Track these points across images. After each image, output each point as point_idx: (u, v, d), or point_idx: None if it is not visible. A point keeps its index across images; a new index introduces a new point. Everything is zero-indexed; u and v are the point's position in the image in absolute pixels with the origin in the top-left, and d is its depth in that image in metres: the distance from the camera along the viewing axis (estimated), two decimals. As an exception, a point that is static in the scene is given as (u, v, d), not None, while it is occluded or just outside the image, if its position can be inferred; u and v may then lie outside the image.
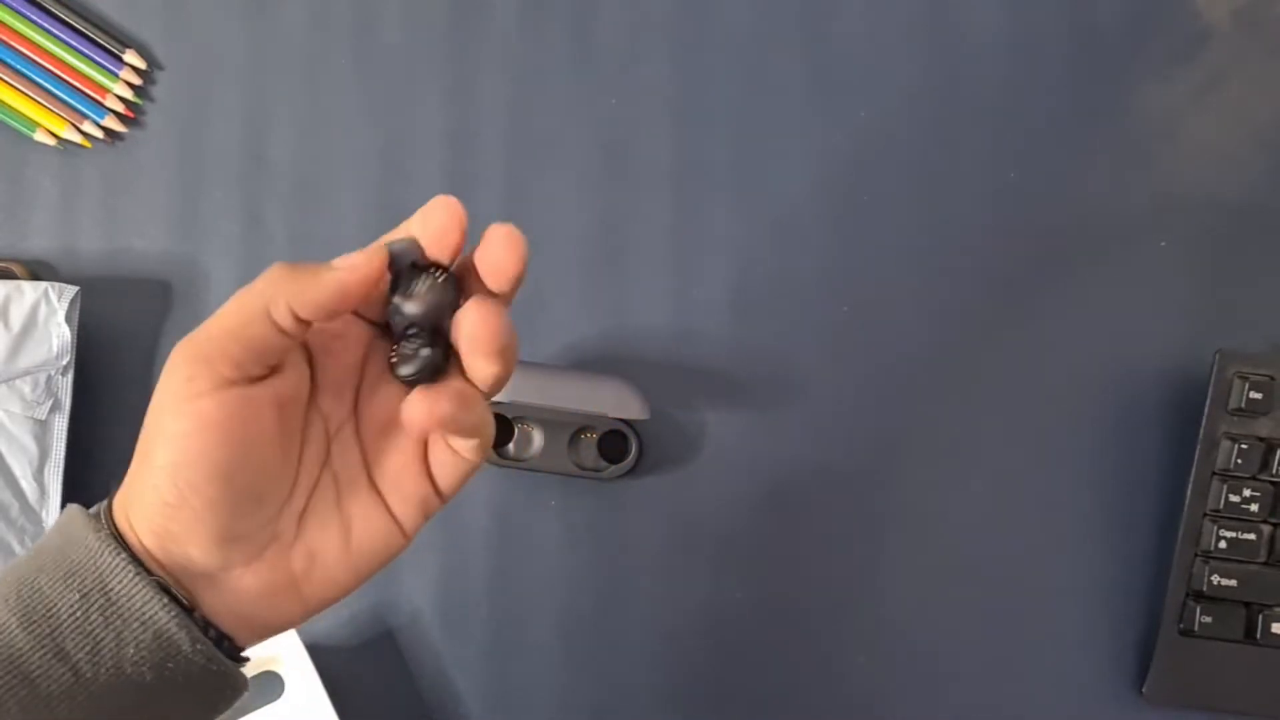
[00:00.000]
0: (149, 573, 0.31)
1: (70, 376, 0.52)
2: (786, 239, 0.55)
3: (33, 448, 0.52)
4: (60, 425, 0.52)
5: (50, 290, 0.52)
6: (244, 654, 0.33)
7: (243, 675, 0.33)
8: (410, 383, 0.33)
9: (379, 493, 0.34)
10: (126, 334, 0.55)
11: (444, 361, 0.34)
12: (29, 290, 0.51)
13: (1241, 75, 0.55)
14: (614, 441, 0.53)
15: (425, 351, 0.33)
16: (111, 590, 0.30)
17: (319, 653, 0.53)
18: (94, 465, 0.54)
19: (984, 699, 0.54)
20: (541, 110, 0.56)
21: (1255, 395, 0.50)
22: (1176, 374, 0.54)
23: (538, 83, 0.56)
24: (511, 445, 0.53)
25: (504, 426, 0.53)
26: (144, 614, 0.30)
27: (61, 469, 0.52)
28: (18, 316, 0.51)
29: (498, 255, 0.32)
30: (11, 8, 0.54)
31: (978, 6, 0.56)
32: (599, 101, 0.56)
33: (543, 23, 0.56)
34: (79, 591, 0.30)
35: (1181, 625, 0.52)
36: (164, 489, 0.31)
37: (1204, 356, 0.52)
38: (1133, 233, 0.55)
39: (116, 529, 0.32)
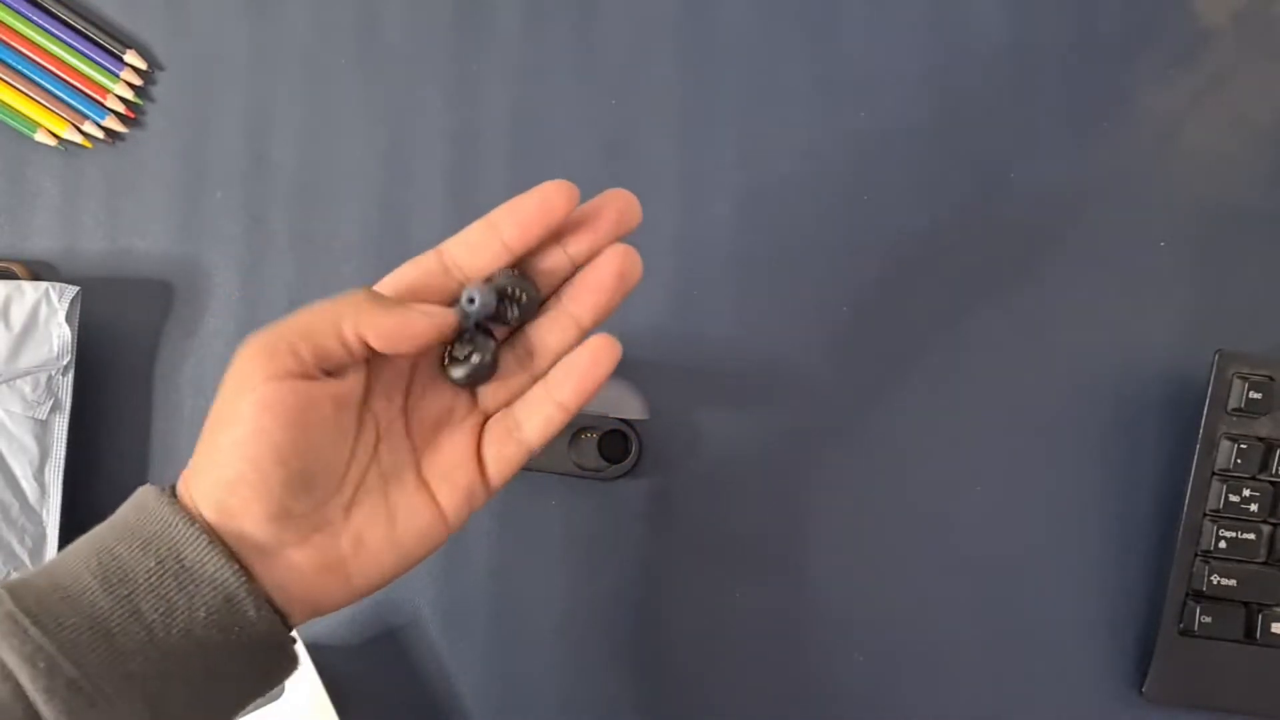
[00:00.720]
0: (221, 542, 0.33)
1: (71, 376, 0.52)
2: (787, 239, 0.55)
3: (33, 447, 0.52)
4: (61, 425, 0.52)
5: (51, 290, 0.52)
6: (292, 633, 0.35)
7: (297, 651, 0.35)
8: (463, 385, 0.37)
9: (427, 485, 0.37)
10: (127, 334, 0.55)
11: (495, 364, 0.37)
12: (30, 290, 0.51)
13: (1241, 76, 0.55)
14: (614, 441, 0.53)
15: (476, 357, 0.36)
16: (185, 557, 0.32)
17: (320, 652, 0.53)
18: (94, 465, 0.54)
19: (984, 699, 0.54)
20: (544, 111, 0.56)
21: (1255, 395, 0.51)
22: (1176, 374, 0.54)
23: (540, 83, 0.56)
24: (512, 445, 0.53)
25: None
26: (215, 579, 0.32)
27: (62, 469, 0.52)
28: (18, 316, 0.51)
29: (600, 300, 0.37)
30: (12, 8, 0.54)
31: (978, 8, 0.56)
32: (601, 102, 0.56)
33: (545, 23, 0.56)
34: (155, 558, 0.32)
35: (1181, 625, 0.52)
36: (224, 465, 0.33)
37: (1204, 356, 0.52)
38: (1133, 233, 0.55)
39: (183, 506, 0.34)
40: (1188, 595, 0.51)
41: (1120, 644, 0.54)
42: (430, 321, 0.34)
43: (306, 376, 0.34)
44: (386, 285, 0.36)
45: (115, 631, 0.31)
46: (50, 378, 0.52)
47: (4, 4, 0.54)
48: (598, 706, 0.54)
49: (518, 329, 0.37)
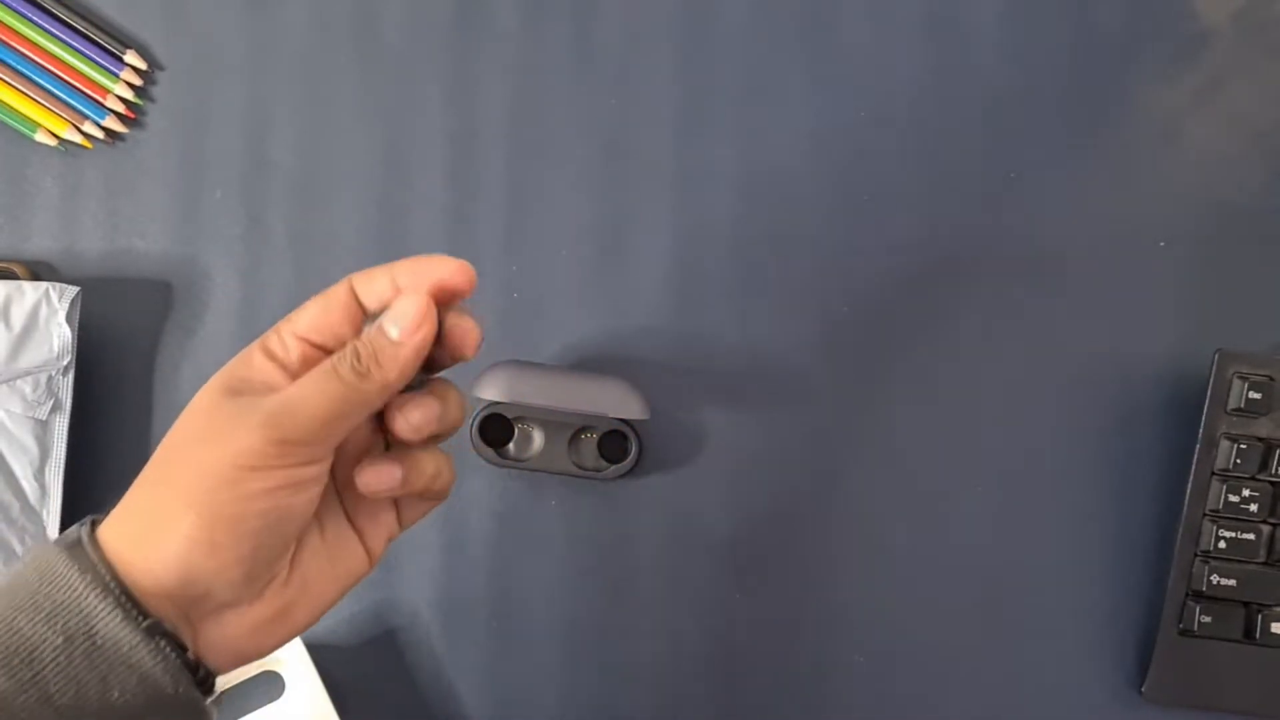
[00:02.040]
0: (139, 614, 0.31)
1: (71, 377, 0.52)
2: (786, 239, 0.55)
3: (33, 448, 0.52)
4: (61, 425, 0.52)
5: (51, 290, 0.52)
6: (215, 690, 0.34)
7: (213, 711, 0.34)
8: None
9: (353, 523, 0.37)
10: (127, 334, 0.55)
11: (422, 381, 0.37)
12: (30, 290, 0.51)
13: (1241, 76, 0.55)
14: (614, 441, 0.53)
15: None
16: (98, 634, 0.30)
17: (319, 652, 0.53)
18: (94, 465, 0.54)
19: (983, 699, 0.54)
20: (542, 110, 0.56)
21: (1254, 395, 0.51)
22: (1176, 374, 0.54)
23: (539, 83, 0.56)
24: (511, 445, 0.53)
25: (504, 426, 0.53)
26: (130, 659, 0.30)
27: (62, 469, 0.52)
28: (18, 317, 0.51)
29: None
30: (11, 8, 0.54)
31: (978, 7, 0.56)
32: (600, 102, 0.56)
33: (544, 23, 0.56)
34: (63, 635, 0.30)
35: (1181, 625, 0.52)
36: (211, 530, 0.31)
37: (1204, 357, 0.52)
38: (1132, 233, 0.55)
39: (107, 558, 0.31)
40: (1187, 595, 0.52)
41: (1120, 644, 0.54)
42: (424, 329, 0.34)
43: (309, 464, 0.33)
44: (303, 324, 0.35)
45: (20, 715, 0.29)
46: (50, 378, 0.52)
47: (4, 4, 0.54)
48: (597, 707, 0.54)
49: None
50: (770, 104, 0.56)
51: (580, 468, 0.53)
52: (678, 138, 0.55)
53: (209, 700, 0.33)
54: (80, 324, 0.52)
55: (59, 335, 0.52)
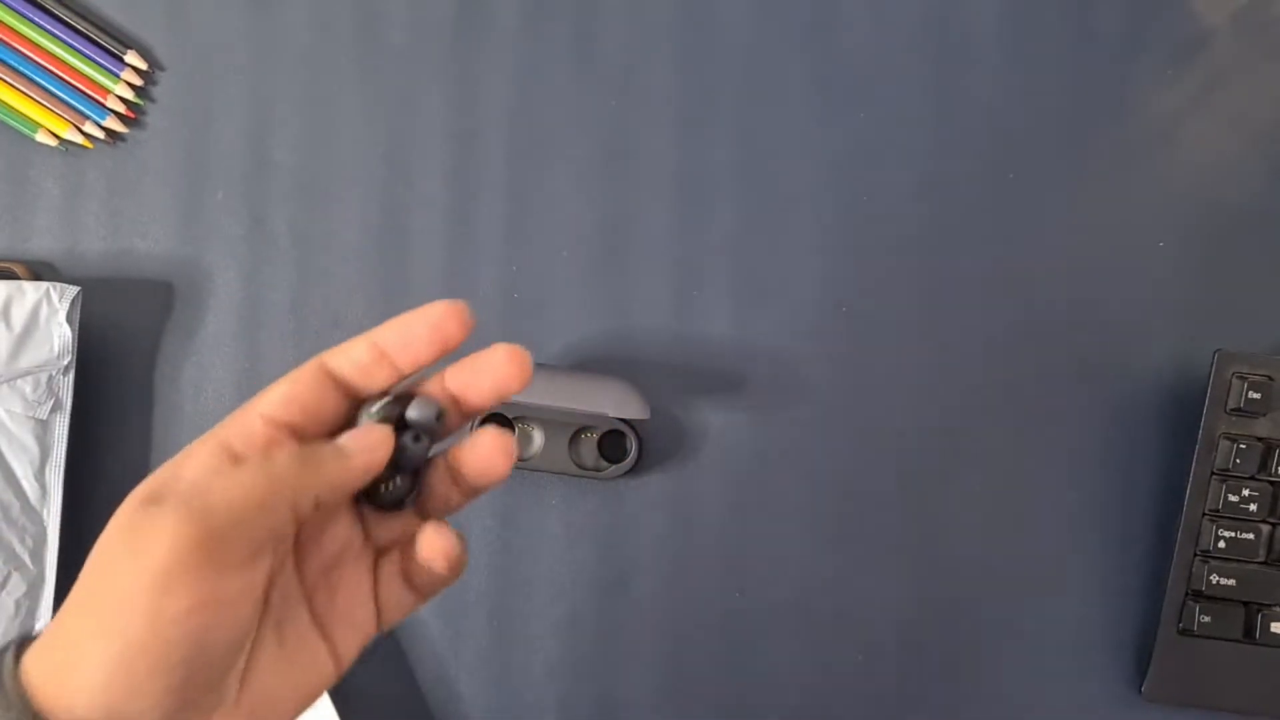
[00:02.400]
0: None
1: (71, 376, 0.52)
2: (786, 239, 0.55)
3: (34, 447, 0.52)
4: (61, 425, 0.52)
5: (52, 290, 0.52)
6: None
7: None
8: (386, 504, 0.34)
9: (321, 627, 0.33)
10: (128, 335, 0.55)
11: (411, 490, 0.34)
12: (30, 290, 0.52)
13: (1241, 77, 0.55)
14: (614, 441, 0.53)
15: (400, 480, 0.34)
16: None
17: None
18: (95, 465, 0.54)
19: (984, 699, 0.54)
20: (544, 111, 0.56)
21: (1254, 395, 0.51)
22: (1175, 374, 0.54)
23: (540, 84, 0.56)
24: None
25: (504, 426, 0.53)
26: None
27: (62, 469, 0.52)
28: (19, 317, 0.51)
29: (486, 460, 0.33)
30: (12, 8, 0.54)
31: (978, 8, 0.56)
32: (601, 103, 0.56)
33: (545, 24, 0.56)
34: None
35: (1181, 625, 0.52)
36: (126, 666, 0.27)
37: (1203, 357, 0.52)
38: (1131, 233, 0.55)
39: (25, 692, 0.28)
40: (1187, 595, 0.52)
41: (1120, 644, 0.54)
42: (375, 453, 0.31)
43: (236, 568, 0.28)
44: (269, 403, 0.32)
45: None
46: (51, 378, 0.52)
47: (4, 4, 0.54)
48: (597, 706, 0.54)
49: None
50: (770, 104, 0.56)
51: (580, 467, 0.53)
52: (678, 138, 0.56)
53: None
54: (81, 324, 0.52)
55: (60, 335, 0.52)
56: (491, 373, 0.33)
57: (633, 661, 0.54)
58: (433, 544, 0.33)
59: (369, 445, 0.31)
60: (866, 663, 0.54)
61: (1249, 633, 0.51)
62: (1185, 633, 0.52)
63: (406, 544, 0.34)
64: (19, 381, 0.51)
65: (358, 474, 0.31)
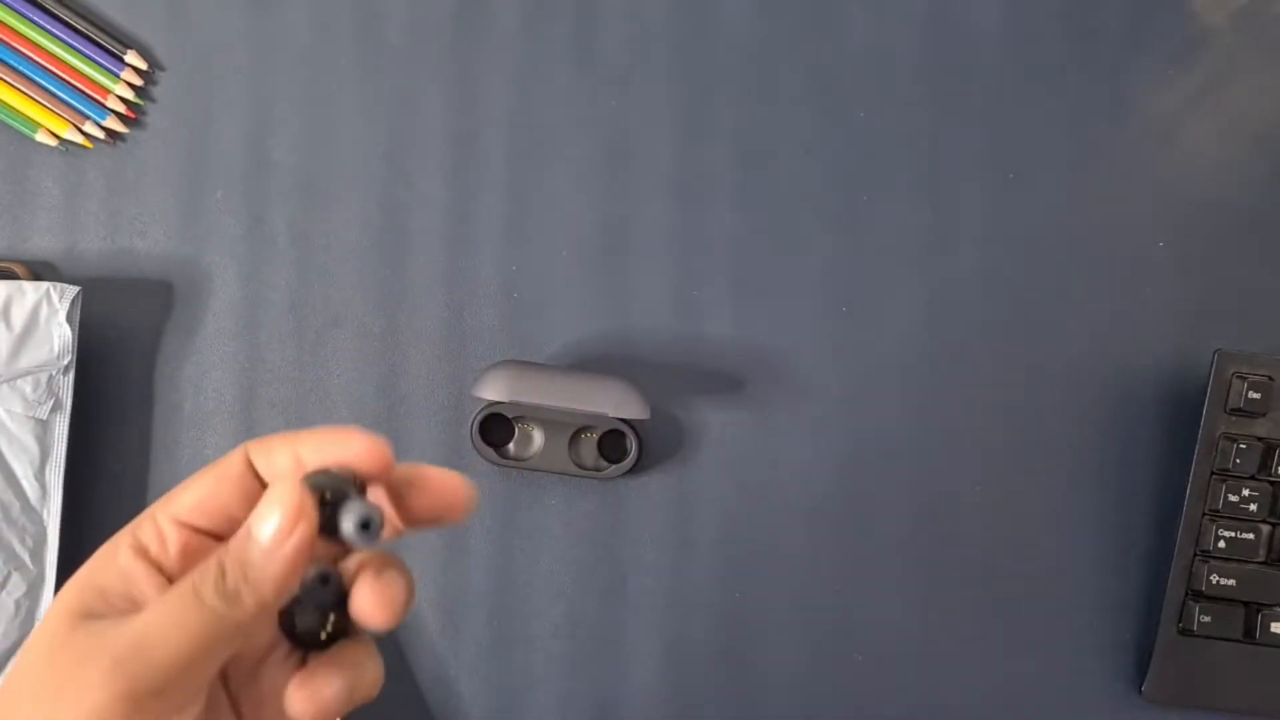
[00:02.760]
0: None
1: (71, 376, 0.52)
2: (786, 239, 0.55)
3: (34, 447, 0.52)
4: (61, 425, 0.52)
5: (52, 290, 0.52)
6: None
7: None
8: (306, 641, 0.30)
9: None
10: (128, 334, 0.55)
11: (346, 626, 0.30)
12: (30, 290, 0.51)
13: (1240, 76, 0.55)
14: (614, 441, 0.53)
15: (330, 622, 0.30)
16: None
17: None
18: (95, 465, 0.54)
19: (983, 698, 0.54)
20: (543, 111, 0.56)
21: (1254, 395, 0.51)
22: (1175, 374, 0.54)
23: (540, 83, 0.56)
24: (511, 445, 0.53)
25: (504, 426, 0.53)
26: None
27: (62, 469, 0.52)
28: (19, 316, 0.51)
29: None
30: (12, 8, 0.54)
31: (977, 8, 0.56)
32: (600, 102, 0.56)
33: (545, 23, 0.56)
34: None
35: (1181, 625, 0.52)
36: None
37: (1203, 356, 0.52)
38: (1131, 233, 0.55)
39: None
40: (1187, 595, 0.52)
41: (1120, 644, 0.54)
42: (301, 542, 0.27)
43: (173, 715, 0.26)
44: (185, 506, 0.29)
45: None
46: (51, 378, 0.52)
47: (4, 4, 0.54)
48: (597, 707, 0.54)
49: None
50: (769, 103, 0.56)
51: (580, 467, 0.53)
52: (678, 138, 0.56)
53: None
54: (81, 324, 0.52)
55: (60, 335, 0.52)
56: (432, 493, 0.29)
57: (632, 661, 0.54)
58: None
59: (289, 528, 0.26)
60: (866, 662, 0.54)
61: (1249, 633, 0.51)
62: (1185, 633, 0.52)
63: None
64: (19, 381, 0.51)
65: (288, 573, 0.27)
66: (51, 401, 0.52)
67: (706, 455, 0.55)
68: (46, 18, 0.55)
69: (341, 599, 0.29)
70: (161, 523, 0.28)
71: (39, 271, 0.55)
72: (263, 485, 0.29)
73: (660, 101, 0.56)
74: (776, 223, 0.55)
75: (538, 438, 0.53)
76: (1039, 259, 0.55)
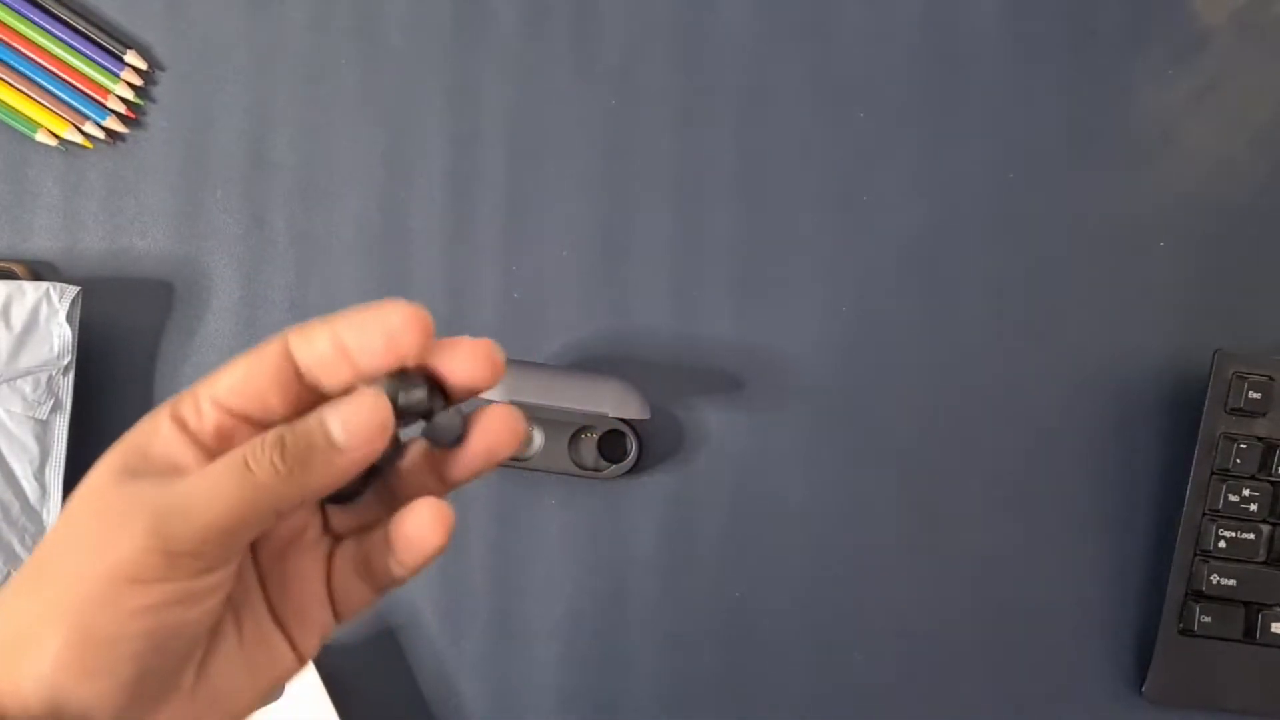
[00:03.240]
0: None
1: (71, 376, 0.52)
2: (786, 239, 0.55)
3: (34, 447, 0.52)
4: (61, 425, 0.52)
5: (52, 290, 0.52)
6: None
7: None
8: (341, 497, 0.31)
9: (278, 621, 0.31)
10: (128, 334, 0.55)
11: (366, 486, 0.31)
12: (30, 290, 0.52)
13: (1240, 76, 0.55)
14: (614, 441, 0.53)
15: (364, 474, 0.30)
16: None
17: (320, 652, 0.53)
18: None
19: (983, 698, 0.54)
20: (543, 111, 0.56)
21: (1254, 395, 0.51)
22: (1176, 374, 0.54)
23: (539, 84, 0.56)
24: (512, 445, 0.53)
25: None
26: None
27: (62, 469, 0.52)
28: (19, 316, 0.51)
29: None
30: (12, 8, 0.54)
31: (977, 8, 0.56)
32: (600, 103, 0.56)
33: (544, 24, 0.56)
34: None
35: (1181, 625, 0.52)
36: (81, 654, 0.26)
37: (1203, 357, 0.52)
38: (1132, 233, 0.55)
39: None
40: (1187, 595, 0.52)
41: (1120, 643, 0.54)
42: (373, 444, 0.28)
43: (205, 574, 0.27)
44: (226, 388, 0.29)
45: None
46: (51, 378, 0.52)
47: (4, 4, 0.54)
48: (597, 705, 0.54)
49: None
50: (769, 104, 0.56)
51: (580, 467, 0.53)
52: (677, 138, 0.56)
53: None
54: (81, 324, 0.53)
55: (59, 335, 0.52)
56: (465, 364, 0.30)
57: (632, 661, 0.54)
58: (420, 517, 0.30)
59: (367, 438, 0.28)
60: (866, 662, 0.54)
61: (1249, 633, 0.51)
62: (1186, 633, 0.52)
63: (364, 532, 0.31)
64: (19, 381, 0.51)
65: (350, 471, 0.28)
66: (51, 401, 0.52)
67: (706, 455, 0.55)
68: (46, 18, 0.55)
69: (387, 462, 0.30)
70: (201, 400, 0.29)
71: (39, 271, 0.55)
72: (298, 375, 0.29)
73: (660, 101, 0.56)
74: (776, 223, 0.55)
75: (538, 438, 0.53)
76: (1039, 259, 0.55)
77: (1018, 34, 0.56)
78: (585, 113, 0.56)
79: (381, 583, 0.31)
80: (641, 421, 0.53)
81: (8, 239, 0.55)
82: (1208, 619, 0.51)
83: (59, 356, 0.52)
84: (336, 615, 0.32)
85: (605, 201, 0.55)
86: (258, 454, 0.27)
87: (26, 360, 0.51)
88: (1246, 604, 0.51)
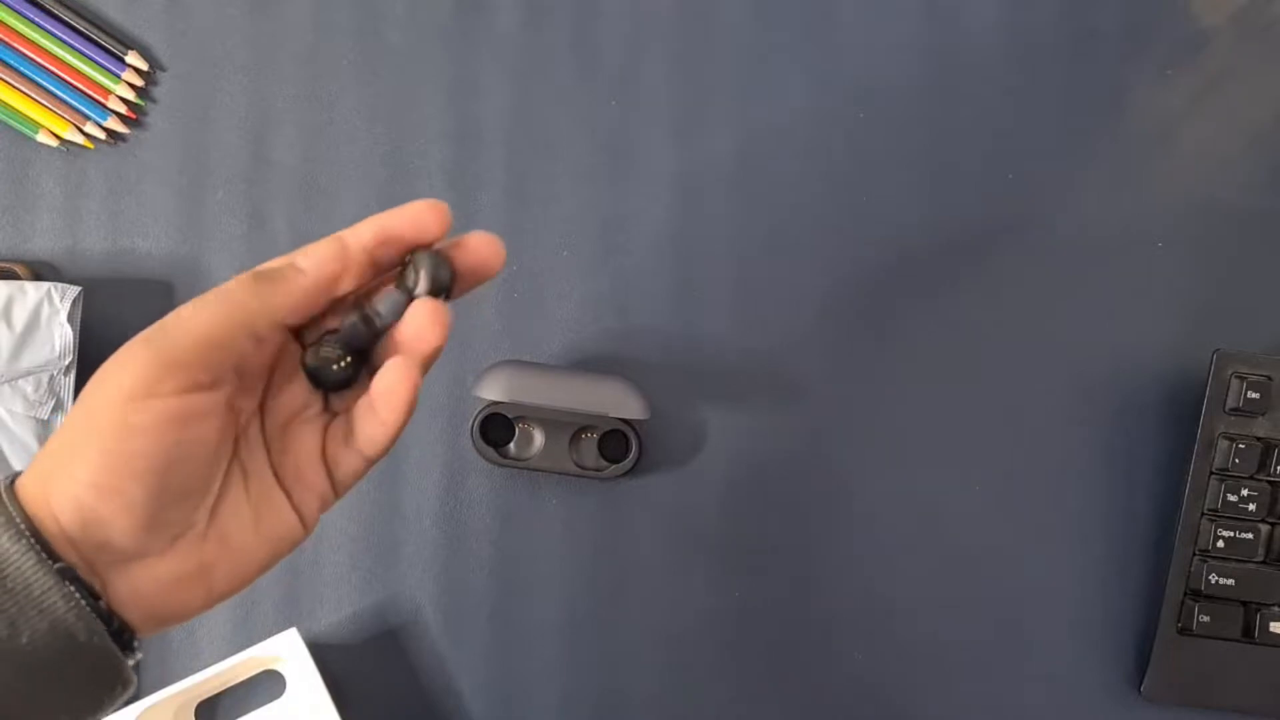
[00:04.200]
0: (53, 558, 0.30)
1: (73, 376, 0.52)
2: (786, 239, 0.55)
3: (35, 447, 0.52)
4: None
5: (53, 290, 0.52)
6: (137, 649, 0.33)
7: (132, 674, 0.32)
8: (326, 382, 0.35)
9: (282, 485, 0.35)
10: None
11: (355, 375, 0.36)
12: (32, 290, 0.52)
13: (1239, 77, 0.56)
14: (614, 441, 0.53)
15: (346, 361, 0.35)
16: (8, 576, 0.29)
17: (320, 651, 0.53)
18: (96, 465, 0.55)
19: (982, 697, 0.54)
20: (543, 111, 0.56)
21: (1253, 395, 0.51)
22: (1174, 374, 0.54)
23: (539, 83, 0.56)
24: (512, 445, 0.53)
25: (504, 426, 0.53)
26: (41, 603, 0.29)
27: (64, 468, 0.52)
28: (20, 317, 0.51)
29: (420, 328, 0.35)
30: (13, 9, 0.54)
31: (976, 8, 0.56)
32: (600, 102, 0.56)
33: (544, 24, 0.56)
34: None
35: (1180, 624, 0.52)
36: (101, 472, 0.30)
37: (1202, 357, 0.52)
38: (1131, 234, 0.55)
39: (22, 506, 0.31)
40: (1186, 594, 0.52)
41: (1119, 643, 0.54)
42: (327, 267, 0.33)
43: (197, 390, 0.31)
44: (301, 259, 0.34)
45: None
46: (52, 378, 0.52)
47: (5, 5, 0.54)
48: (597, 706, 0.54)
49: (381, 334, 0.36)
50: (769, 104, 0.56)
51: (580, 467, 0.53)
52: (678, 138, 0.56)
53: (132, 661, 0.32)
54: (82, 324, 0.53)
55: (61, 335, 0.52)
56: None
57: (632, 661, 0.54)
58: (390, 373, 0.34)
59: (321, 260, 0.33)
60: (866, 662, 0.54)
61: (1248, 632, 0.51)
62: (1185, 632, 0.52)
63: (352, 407, 0.35)
64: (20, 381, 0.51)
65: (312, 291, 0.33)
66: (53, 401, 0.52)
67: (706, 455, 0.55)
68: (48, 19, 0.55)
69: (368, 346, 0.35)
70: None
71: (40, 271, 0.55)
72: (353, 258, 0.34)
73: (660, 101, 0.56)
74: (776, 223, 0.55)
75: (538, 438, 0.53)
76: (1039, 259, 0.55)
77: (1018, 34, 0.56)
78: (585, 112, 0.56)
79: (367, 449, 0.35)
80: (641, 421, 0.53)
81: (9, 239, 0.55)
82: (1206, 618, 0.51)
83: (60, 357, 0.52)
84: (333, 486, 0.36)
85: (605, 201, 0.55)
86: (239, 280, 0.32)
87: (28, 360, 0.51)
88: (1245, 603, 0.51)
